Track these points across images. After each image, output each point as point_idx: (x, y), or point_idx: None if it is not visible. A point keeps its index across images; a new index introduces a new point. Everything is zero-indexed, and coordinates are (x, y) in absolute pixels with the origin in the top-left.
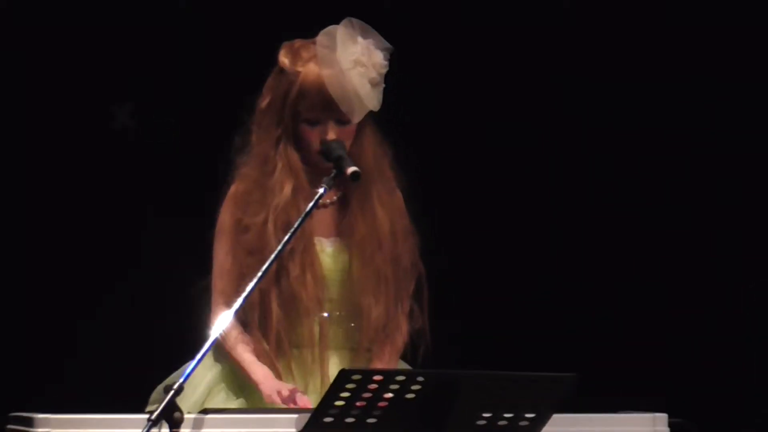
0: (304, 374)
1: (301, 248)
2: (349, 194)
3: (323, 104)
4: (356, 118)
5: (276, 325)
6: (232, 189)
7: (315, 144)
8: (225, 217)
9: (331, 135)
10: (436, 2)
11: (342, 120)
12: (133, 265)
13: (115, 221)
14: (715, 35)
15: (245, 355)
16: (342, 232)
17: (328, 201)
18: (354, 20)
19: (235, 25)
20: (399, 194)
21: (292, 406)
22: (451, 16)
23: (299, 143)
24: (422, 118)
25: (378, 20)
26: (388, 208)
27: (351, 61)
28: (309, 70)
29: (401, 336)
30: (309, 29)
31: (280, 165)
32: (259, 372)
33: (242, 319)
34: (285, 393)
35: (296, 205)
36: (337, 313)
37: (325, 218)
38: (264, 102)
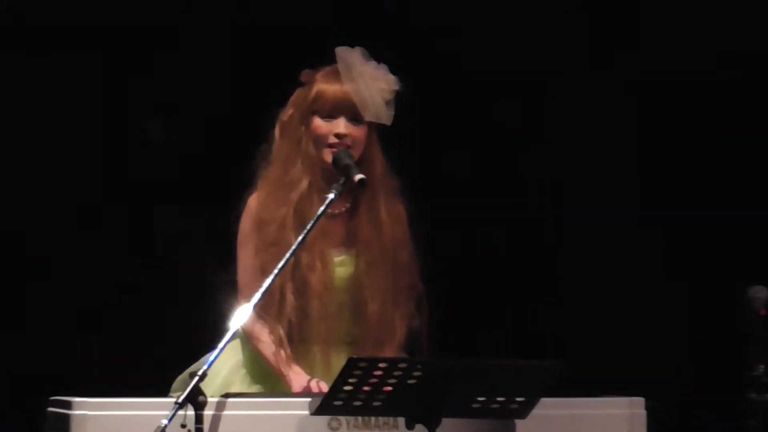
0: (310, 366)
1: (313, 241)
2: (358, 203)
3: (336, 102)
4: (367, 117)
5: (290, 314)
6: (252, 197)
7: (328, 138)
8: (246, 223)
9: (342, 128)
10: (435, 3)
11: (354, 118)
12: (157, 261)
13: (142, 219)
14: (716, 35)
15: (271, 348)
16: (350, 241)
17: (337, 211)
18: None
19: (253, 36)
20: (402, 206)
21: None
22: (451, 18)
23: (315, 139)
24: (420, 117)
25: (378, 20)
26: (393, 217)
27: (367, 73)
28: (326, 76)
29: (395, 338)
30: (312, 32)
31: (299, 161)
32: (289, 368)
33: (262, 312)
34: (314, 388)
35: (311, 199)
36: (344, 315)
37: (335, 229)
38: (287, 114)
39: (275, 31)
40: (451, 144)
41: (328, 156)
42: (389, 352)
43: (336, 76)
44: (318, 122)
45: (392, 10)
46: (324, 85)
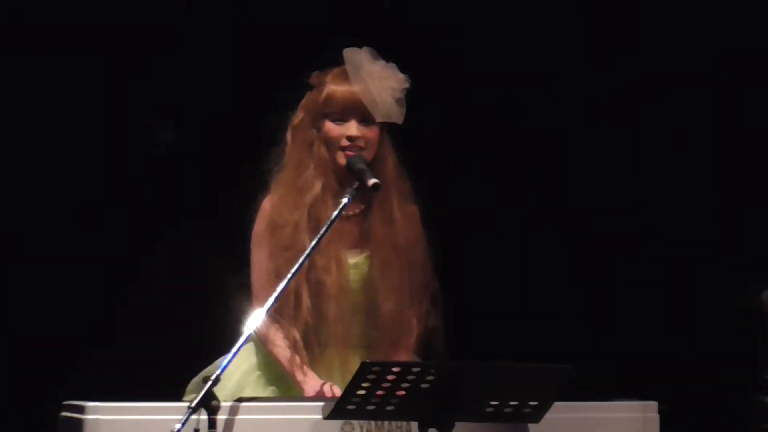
0: (328, 368)
1: (327, 243)
2: (371, 204)
3: (347, 104)
4: (378, 118)
5: (306, 316)
6: (266, 200)
7: (341, 141)
8: (260, 224)
9: (354, 131)
10: (435, 3)
11: (365, 119)
12: (171, 264)
13: (156, 222)
14: (716, 35)
15: (285, 352)
16: (364, 242)
17: (351, 213)
18: (374, 50)
19: (253, 37)
20: (415, 205)
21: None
22: (451, 18)
23: (327, 142)
24: (419, 119)
25: (378, 20)
26: (406, 217)
27: (376, 72)
28: (335, 80)
29: (412, 337)
30: (312, 32)
31: (312, 165)
32: (303, 373)
33: (276, 316)
34: (327, 392)
35: (325, 202)
36: (359, 317)
37: (349, 230)
38: (298, 118)
39: (276, 32)
40: (450, 143)
41: (341, 159)
42: (405, 351)
43: (346, 77)
44: (329, 126)
45: (392, 10)
46: (334, 87)
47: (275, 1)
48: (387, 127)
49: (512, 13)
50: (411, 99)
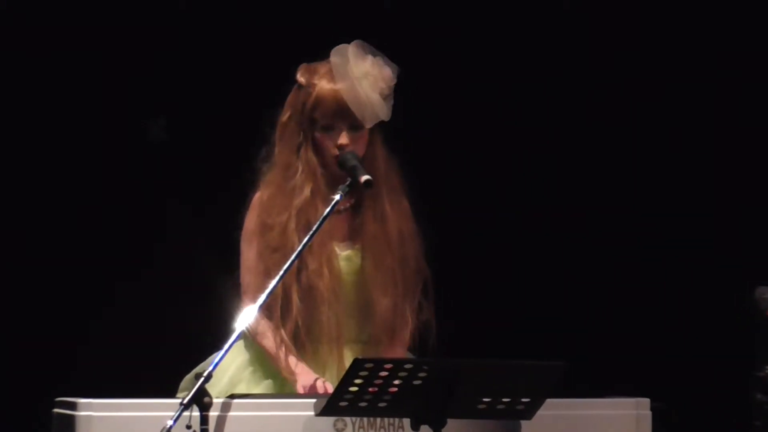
0: (321, 365)
1: (319, 245)
2: (362, 199)
3: (336, 111)
4: (368, 124)
5: (296, 316)
6: (257, 196)
7: (330, 149)
8: (251, 221)
9: (344, 140)
10: (435, 4)
11: (354, 125)
12: (163, 261)
13: (147, 220)
14: (716, 35)
15: (275, 349)
16: (355, 236)
17: (342, 208)
18: (363, 42)
19: (253, 36)
20: (406, 200)
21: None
22: (451, 17)
23: (317, 149)
24: (420, 119)
25: (378, 20)
26: (397, 212)
27: (362, 72)
28: (323, 82)
29: (408, 330)
30: (312, 32)
31: (300, 169)
32: (297, 366)
33: (267, 312)
34: (320, 388)
35: (315, 205)
36: (353, 311)
37: (339, 224)
38: (285, 116)
39: (276, 31)
40: (450, 143)
41: (331, 165)
42: (400, 346)
43: (333, 82)
44: (318, 135)
45: (392, 9)
46: (323, 93)
47: (274, 0)
48: (379, 125)
49: (512, 13)
50: (409, 96)
